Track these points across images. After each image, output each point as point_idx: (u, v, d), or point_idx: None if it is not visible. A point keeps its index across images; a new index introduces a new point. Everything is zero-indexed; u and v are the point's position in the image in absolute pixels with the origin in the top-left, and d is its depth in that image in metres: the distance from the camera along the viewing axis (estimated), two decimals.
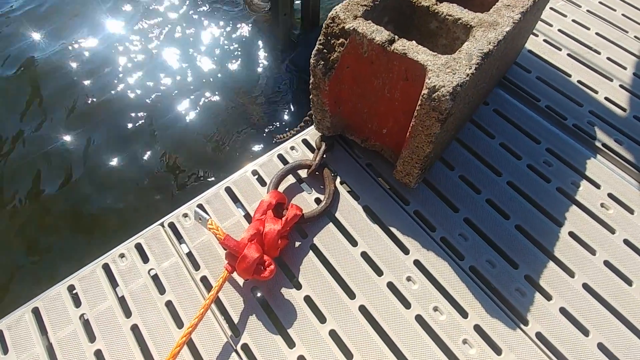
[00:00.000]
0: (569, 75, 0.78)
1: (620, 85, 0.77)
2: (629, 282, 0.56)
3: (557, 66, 0.79)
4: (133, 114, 1.41)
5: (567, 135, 0.70)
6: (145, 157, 1.32)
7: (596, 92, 0.76)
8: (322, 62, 0.54)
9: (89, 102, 1.43)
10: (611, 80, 0.78)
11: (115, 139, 1.35)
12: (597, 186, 0.65)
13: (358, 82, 0.57)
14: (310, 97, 0.61)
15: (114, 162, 1.31)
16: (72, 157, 1.31)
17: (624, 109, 0.74)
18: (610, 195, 0.64)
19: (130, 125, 1.39)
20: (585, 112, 0.73)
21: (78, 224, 1.20)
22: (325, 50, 0.54)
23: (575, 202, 0.63)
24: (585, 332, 0.53)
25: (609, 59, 0.80)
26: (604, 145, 0.69)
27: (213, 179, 1.27)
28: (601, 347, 0.52)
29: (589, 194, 0.64)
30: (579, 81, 0.77)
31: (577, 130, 0.71)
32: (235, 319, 0.54)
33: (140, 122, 1.39)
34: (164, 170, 1.30)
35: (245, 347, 0.53)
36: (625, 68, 0.79)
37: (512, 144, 0.68)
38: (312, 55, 0.54)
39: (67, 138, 1.35)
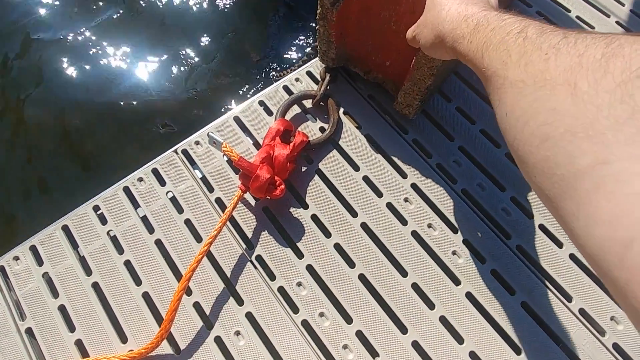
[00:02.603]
0: (569, 11, 0.79)
1: (617, 22, 0.79)
2: None
3: (558, 0, 0.80)
4: (130, 55, 1.39)
5: None
6: (147, 92, 1.34)
7: (593, 27, 0.78)
8: None
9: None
10: (608, 16, 0.79)
11: (118, 77, 1.36)
12: None
13: (364, 14, 0.58)
14: (317, 27, 0.62)
15: (121, 96, 1.33)
16: (82, 88, 1.33)
17: None
18: None
19: (125, 65, 1.38)
20: None
21: (87, 155, 1.24)
22: None
23: None
24: (560, 245, 0.60)
25: None
26: None
27: (218, 112, 1.31)
28: (572, 257, 0.59)
29: None
30: (577, 16, 0.79)
31: None
32: (249, 235, 0.60)
33: (135, 61, 1.38)
34: (167, 104, 1.32)
35: (259, 258, 0.59)
36: (623, 5, 0.80)
37: None
38: None
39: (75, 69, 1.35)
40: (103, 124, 1.29)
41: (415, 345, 0.54)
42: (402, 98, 0.63)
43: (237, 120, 0.68)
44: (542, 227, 0.61)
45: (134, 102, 1.32)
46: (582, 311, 0.56)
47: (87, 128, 1.28)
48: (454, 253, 0.59)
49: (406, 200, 0.62)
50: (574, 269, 0.58)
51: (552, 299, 0.56)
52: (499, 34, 0.30)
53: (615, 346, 0.54)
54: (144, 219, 0.62)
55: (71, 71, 1.36)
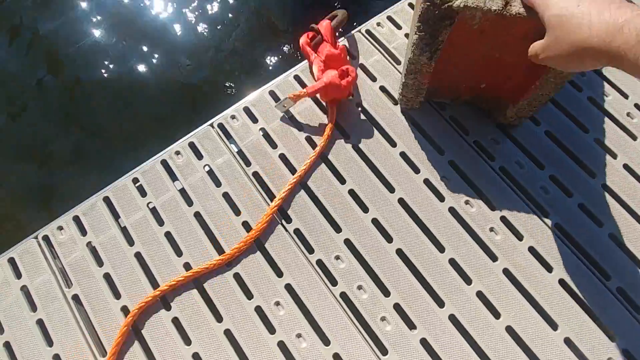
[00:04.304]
0: None
1: None
2: None
3: None
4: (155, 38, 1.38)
5: None
6: (180, 67, 1.35)
7: None
8: (428, 49, 0.52)
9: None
10: None
11: (149, 57, 1.36)
12: (625, 96, 0.67)
13: (458, 53, 0.55)
14: (404, 81, 0.60)
15: (156, 73, 1.34)
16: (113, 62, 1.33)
17: None
18: (636, 106, 0.66)
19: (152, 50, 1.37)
20: None
21: (125, 128, 1.27)
22: (427, 37, 0.51)
23: (604, 111, 0.66)
24: (599, 224, 0.59)
25: None
26: None
27: (251, 85, 1.32)
28: (612, 236, 0.59)
29: (618, 103, 0.66)
30: None
31: None
32: (287, 208, 0.61)
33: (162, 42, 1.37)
34: (197, 81, 1.33)
35: (297, 231, 0.60)
36: None
37: None
38: (413, 47, 0.52)
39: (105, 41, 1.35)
40: (138, 101, 1.30)
41: (452, 318, 0.55)
42: (513, 113, 0.61)
43: (272, 94, 0.68)
44: (582, 206, 0.60)
45: (169, 78, 1.33)
46: (619, 289, 0.56)
47: (123, 105, 1.29)
48: (491, 230, 0.59)
49: (443, 177, 0.62)
50: (612, 248, 0.58)
51: (590, 277, 0.57)
52: None
53: None
54: (182, 192, 0.63)
55: (106, 50, 1.36)
